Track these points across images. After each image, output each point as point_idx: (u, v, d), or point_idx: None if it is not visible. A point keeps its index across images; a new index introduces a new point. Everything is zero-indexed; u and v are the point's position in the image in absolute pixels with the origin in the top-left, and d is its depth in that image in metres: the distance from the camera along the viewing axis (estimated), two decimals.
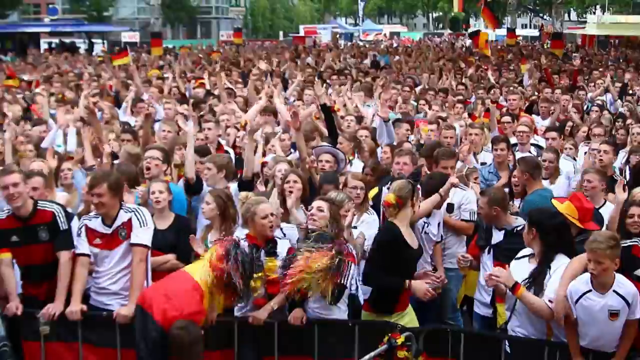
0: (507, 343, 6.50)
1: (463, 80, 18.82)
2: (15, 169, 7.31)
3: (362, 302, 7.42)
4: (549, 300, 6.20)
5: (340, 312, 6.92)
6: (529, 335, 6.49)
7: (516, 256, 6.76)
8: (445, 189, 7.74)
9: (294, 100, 14.59)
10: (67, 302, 6.85)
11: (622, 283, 5.97)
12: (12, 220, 6.97)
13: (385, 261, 6.92)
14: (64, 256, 6.90)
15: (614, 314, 5.96)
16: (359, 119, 12.17)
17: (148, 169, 8.35)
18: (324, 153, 9.10)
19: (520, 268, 6.54)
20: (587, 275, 6.03)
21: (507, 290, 6.36)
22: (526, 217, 6.98)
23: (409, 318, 7.09)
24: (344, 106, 13.45)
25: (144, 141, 10.29)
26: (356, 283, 7.43)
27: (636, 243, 6.49)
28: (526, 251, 6.66)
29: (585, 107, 15.55)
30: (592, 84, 19.24)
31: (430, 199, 7.72)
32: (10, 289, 6.89)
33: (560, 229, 6.50)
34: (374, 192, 8.70)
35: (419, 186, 7.52)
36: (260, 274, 6.65)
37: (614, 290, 5.94)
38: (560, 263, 6.33)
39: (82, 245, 6.99)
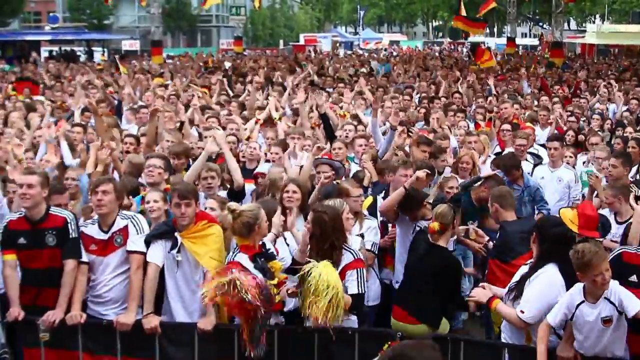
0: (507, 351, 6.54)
1: (461, 89, 18.76)
2: (37, 172, 7.32)
3: (366, 309, 7.53)
4: (521, 311, 6.29)
5: (351, 321, 6.89)
6: (508, 340, 6.62)
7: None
8: (409, 183, 8.05)
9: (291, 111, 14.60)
10: (67, 311, 6.85)
11: (612, 290, 5.96)
12: (23, 222, 6.98)
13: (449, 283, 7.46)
14: (70, 264, 6.91)
15: (607, 321, 5.97)
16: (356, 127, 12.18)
17: (150, 176, 8.38)
18: (321, 164, 9.10)
19: (520, 271, 6.65)
20: (580, 285, 6.05)
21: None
22: None
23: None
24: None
25: (148, 141, 10.35)
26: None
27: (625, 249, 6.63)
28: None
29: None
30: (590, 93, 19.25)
31: (396, 192, 8.08)
32: (12, 294, 6.88)
33: (559, 239, 6.49)
34: (368, 201, 8.74)
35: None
36: (274, 282, 6.64)
37: (605, 298, 5.96)
38: (544, 271, 6.34)
39: (82, 253, 7.01)
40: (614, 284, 5.97)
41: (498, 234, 7.81)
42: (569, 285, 6.17)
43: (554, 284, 6.28)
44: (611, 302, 5.94)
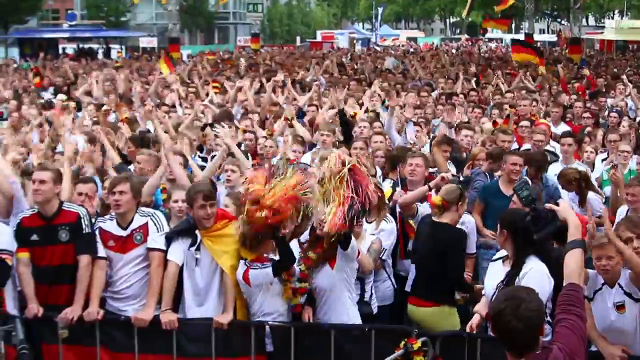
0: None
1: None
2: (50, 168, 7.36)
3: (375, 310, 7.53)
4: None
5: (354, 315, 6.91)
6: None
7: (492, 258, 6.80)
8: (434, 183, 7.87)
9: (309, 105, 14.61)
10: (85, 306, 6.88)
11: (624, 275, 5.98)
12: (36, 219, 7.02)
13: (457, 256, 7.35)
14: (84, 260, 6.93)
15: (620, 307, 5.96)
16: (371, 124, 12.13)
17: (170, 172, 8.44)
18: None
19: (496, 270, 6.53)
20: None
21: None
22: None
23: None
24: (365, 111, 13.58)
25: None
26: (370, 290, 7.47)
27: None
28: (501, 253, 6.65)
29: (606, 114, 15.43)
30: (612, 90, 19.05)
31: (418, 190, 7.98)
32: (29, 291, 6.90)
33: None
34: (387, 193, 8.67)
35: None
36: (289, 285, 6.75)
37: (618, 283, 5.98)
38: (530, 267, 6.19)
39: (99, 248, 7.04)
40: (624, 270, 5.98)
41: None
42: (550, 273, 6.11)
43: (543, 276, 6.12)
44: (621, 286, 5.96)
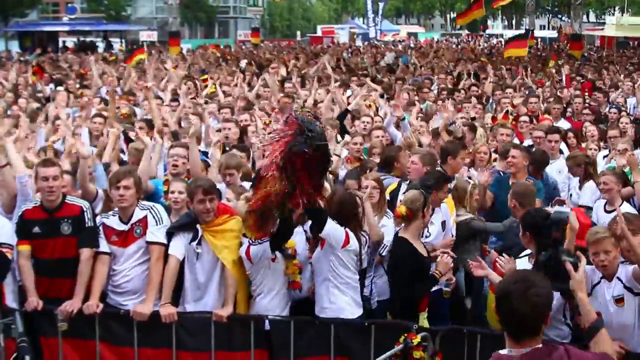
0: None
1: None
2: (56, 162, 7.38)
3: (374, 305, 7.53)
4: None
5: (353, 312, 6.88)
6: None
7: (519, 255, 6.79)
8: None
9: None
10: (85, 300, 6.88)
11: (623, 270, 6.00)
12: (38, 211, 7.02)
13: (404, 275, 6.94)
14: (85, 253, 6.95)
15: (619, 300, 5.99)
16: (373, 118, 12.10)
17: (175, 166, 8.38)
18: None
19: (522, 267, 6.51)
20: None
21: None
22: None
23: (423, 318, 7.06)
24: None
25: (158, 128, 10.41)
26: (371, 285, 7.46)
27: None
28: (528, 251, 6.68)
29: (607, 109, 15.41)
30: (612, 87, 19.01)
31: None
32: (29, 284, 6.91)
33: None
34: (392, 187, 8.65)
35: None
36: (295, 261, 6.85)
37: (617, 277, 6.00)
38: None
39: (102, 243, 7.05)
40: (623, 264, 6.01)
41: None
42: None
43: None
44: (620, 280, 5.98)
